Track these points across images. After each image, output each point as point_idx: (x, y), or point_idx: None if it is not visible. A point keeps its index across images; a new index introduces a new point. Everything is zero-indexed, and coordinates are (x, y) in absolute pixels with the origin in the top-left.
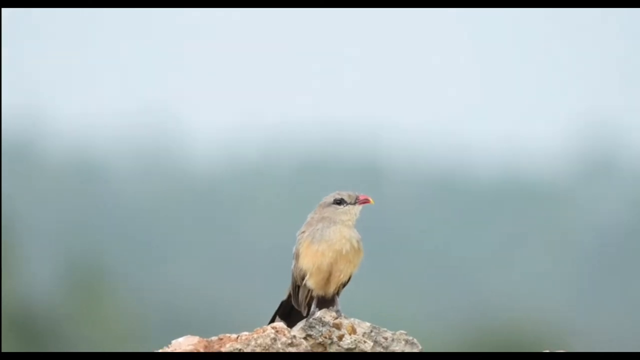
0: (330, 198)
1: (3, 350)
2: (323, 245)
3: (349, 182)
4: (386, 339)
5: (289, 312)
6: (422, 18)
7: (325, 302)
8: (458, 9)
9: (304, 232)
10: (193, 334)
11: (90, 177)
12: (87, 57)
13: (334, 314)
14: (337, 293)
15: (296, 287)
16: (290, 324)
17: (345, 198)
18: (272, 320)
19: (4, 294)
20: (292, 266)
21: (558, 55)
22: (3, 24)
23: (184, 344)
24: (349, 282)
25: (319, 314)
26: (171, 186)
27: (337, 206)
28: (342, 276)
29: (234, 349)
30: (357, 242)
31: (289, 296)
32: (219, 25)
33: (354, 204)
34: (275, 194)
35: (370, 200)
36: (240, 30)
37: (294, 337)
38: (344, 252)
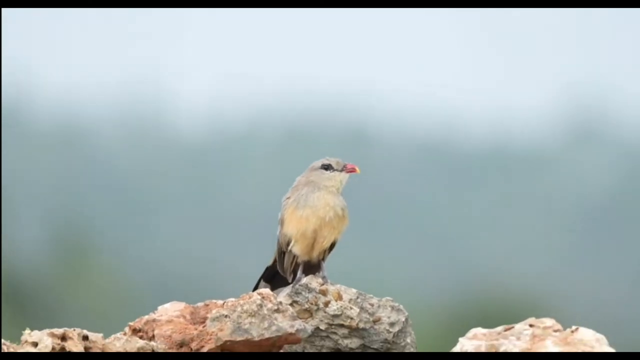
0: (318, 162)
1: None
2: (307, 211)
3: (337, 146)
4: (372, 305)
5: (272, 276)
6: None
7: (311, 268)
8: None
9: (289, 197)
10: (180, 299)
11: (76, 142)
12: (70, 23)
13: (320, 280)
14: (323, 259)
15: (281, 253)
16: (274, 287)
17: (333, 164)
18: (257, 286)
19: None
20: (278, 232)
21: (545, 21)
22: None
23: (170, 309)
24: (334, 249)
25: (305, 280)
26: (159, 150)
27: (324, 171)
28: (325, 242)
29: (220, 315)
30: (342, 209)
31: (274, 262)
32: None
33: (341, 171)
34: (264, 158)
35: (357, 169)
36: None
37: (280, 304)
38: (327, 219)
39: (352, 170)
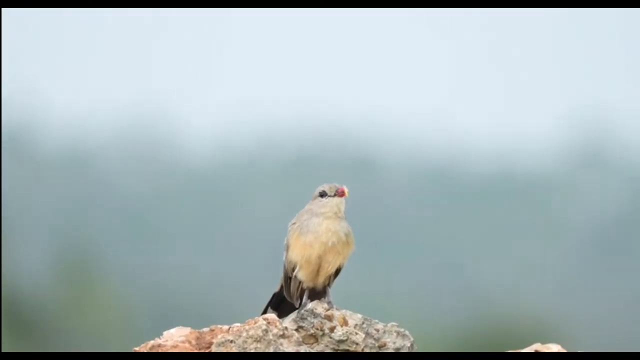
0: (317, 191)
1: None
2: (310, 237)
3: (343, 172)
4: (378, 330)
5: (279, 304)
6: (411, 7)
7: (317, 293)
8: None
9: (294, 223)
10: (185, 324)
11: (82, 165)
12: (79, 48)
13: (325, 305)
14: (329, 284)
15: (287, 278)
16: (281, 315)
17: (327, 190)
18: (265, 312)
19: None
20: (283, 257)
21: (551, 44)
22: None
23: (175, 334)
24: (340, 274)
25: (310, 305)
26: (166, 174)
27: (320, 199)
28: (330, 267)
29: (226, 340)
30: (346, 235)
31: (281, 287)
32: (209, 14)
33: (334, 196)
34: (271, 183)
35: (345, 192)
36: (230, 20)
37: (286, 329)
38: (330, 244)
39: (342, 194)
